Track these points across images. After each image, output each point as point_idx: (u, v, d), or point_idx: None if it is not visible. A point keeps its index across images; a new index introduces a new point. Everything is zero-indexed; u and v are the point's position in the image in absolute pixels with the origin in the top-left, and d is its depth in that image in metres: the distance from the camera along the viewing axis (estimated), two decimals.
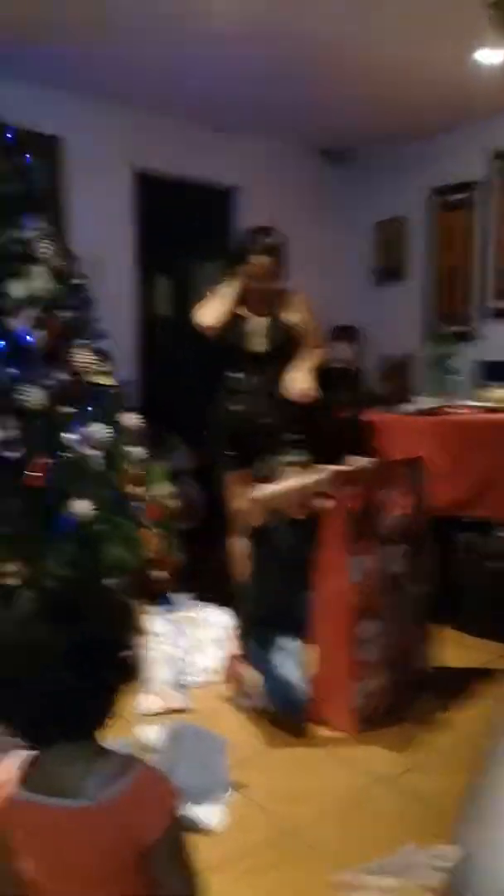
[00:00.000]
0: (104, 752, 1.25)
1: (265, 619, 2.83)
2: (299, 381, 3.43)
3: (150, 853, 1.20)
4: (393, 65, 3.82)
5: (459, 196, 4.81)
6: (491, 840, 0.58)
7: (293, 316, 3.56)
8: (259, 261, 3.42)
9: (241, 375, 3.49)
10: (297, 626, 2.78)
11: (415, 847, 1.92)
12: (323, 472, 2.68)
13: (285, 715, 2.63)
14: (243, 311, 3.51)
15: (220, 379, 3.57)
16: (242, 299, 3.52)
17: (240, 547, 3.49)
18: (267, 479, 2.86)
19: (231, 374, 3.51)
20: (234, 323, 3.46)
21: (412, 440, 3.49)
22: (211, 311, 3.46)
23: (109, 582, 3.06)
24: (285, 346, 3.51)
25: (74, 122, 4.06)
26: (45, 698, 1.20)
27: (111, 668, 1.25)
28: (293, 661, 2.74)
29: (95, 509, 3.10)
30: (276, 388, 3.47)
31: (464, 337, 4.63)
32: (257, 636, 2.82)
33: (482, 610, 4.03)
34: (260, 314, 3.51)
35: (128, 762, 1.24)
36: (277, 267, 3.46)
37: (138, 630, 3.20)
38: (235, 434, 3.47)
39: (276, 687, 2.67)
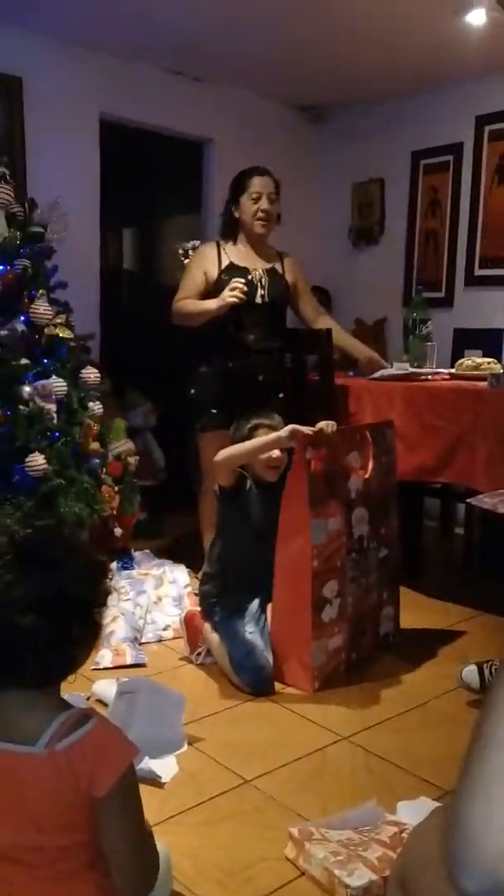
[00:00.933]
0: (64, 705, 1.25)
1: (234, 586, 2.79)
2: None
3: (99, 807, 1.19)
4: (378, 22, 3.69)
5: (441, 159, 4.71)
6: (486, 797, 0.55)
7: (290, 275, 3.50)
8: (263, 182, 3.37)
9: (235, 329, 3.38)
10: (268, 593, 2.75)
11: (374, 803, 1.91)
12: (283, 431, 2.63)
13: (252, 688, 2.57)
14: (239, 260, 3.43)
15: (191, 336, 3.46)
16: (237, 248, 3.46)
17: (210, 508, 3.45)
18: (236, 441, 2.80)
19: (225, 329, 3.39)
20: (232, 275, 3.36)
21: (383, 405, 3.46)
22: (183, 322, 3.41)
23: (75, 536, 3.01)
24: (281, 302, 3.45)
25: (37, 63, 3.89)
26: (6, 644, 1.18)
27: (80, 622, 1.24)
28: (261, 631, 2.70)
29: (52, 464, 3.02)
30: (272, 344, 3.41)
31: (441, 303, 4.58)
32: (225, 603, 2.77)
33: (446, 574, 4.06)
34: (256, 262, 3.44)
35: (86, 715, 1.23)
36: (278, 196, 3.42)
37: (109, 588, 3.15)
38: (229, 391, 3.37)
39: (244, 660, 2.60)
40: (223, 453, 2.69)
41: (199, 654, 2.80)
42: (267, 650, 2.65)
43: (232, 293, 3.21)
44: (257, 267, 3.42)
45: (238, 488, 2.75)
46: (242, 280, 3.26)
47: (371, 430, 2.91)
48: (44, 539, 1.25)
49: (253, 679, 2.58)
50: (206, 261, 3.44)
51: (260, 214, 3.39)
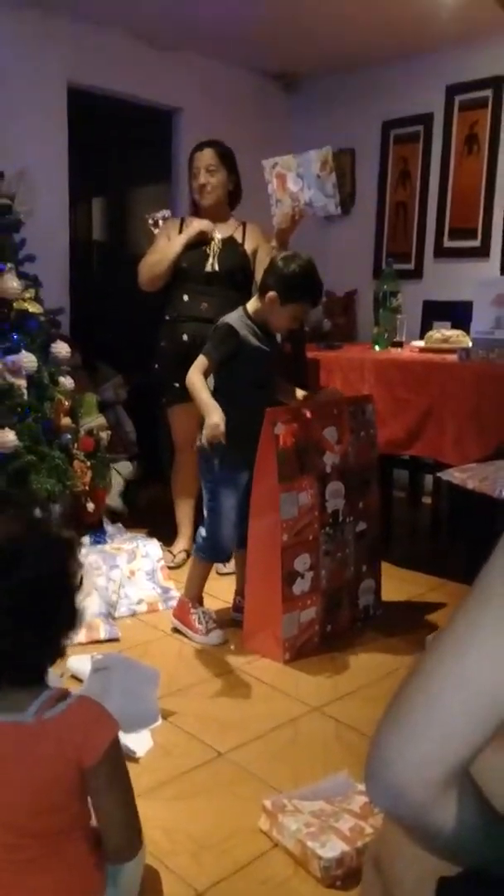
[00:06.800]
0: (45, 686, 1.27)
1: (234, 432, 2.65)
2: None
3: (89, 776, 1.22)
4: None
5: (412, 129, 4.68)
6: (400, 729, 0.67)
7: (249, 244, 3.46)
8: (199, 156, 3.37)
9: (189, 299, 3.35)
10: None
11: (346, 773, 1.96)
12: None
13: (208, 560, 2.86)
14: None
15: (162, 305, 3.44)
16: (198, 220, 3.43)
17: (183, 481, 3.46)
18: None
19: (179, 299, 3.37)
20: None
21: (354, 379, 3.47)
22: (150, 276, 3.39)
23: (41, 514, 3.01)
24: (238, 272, 3.41)
25: (3, 30, 3.81)
26: None
27: (55, 611, 1.24)
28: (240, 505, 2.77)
29: (22, 441, 3.01)
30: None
31: (411, 275, 4.58)
32: (221, 463, 2.73)
33: (414, 543, 4.12)
34: (214, 232, 3.41)
35: (64, 693, 1.27)
36: (221, 166, 3.38)
37: (79, 568, 3.14)
38: (188, 364, 3.35)
39: (212, 539, 2.80)
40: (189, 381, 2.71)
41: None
42: (230, 539, 2.82)
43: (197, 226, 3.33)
44: (214, 236, 3.40)
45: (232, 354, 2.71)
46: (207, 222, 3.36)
47: (349, 404, 2.92)
48: (8, 535, 1.24)
49: (211, 557, 2.87)
50: (170, 230, 3.46)
51: (197, 188, 3.40)
